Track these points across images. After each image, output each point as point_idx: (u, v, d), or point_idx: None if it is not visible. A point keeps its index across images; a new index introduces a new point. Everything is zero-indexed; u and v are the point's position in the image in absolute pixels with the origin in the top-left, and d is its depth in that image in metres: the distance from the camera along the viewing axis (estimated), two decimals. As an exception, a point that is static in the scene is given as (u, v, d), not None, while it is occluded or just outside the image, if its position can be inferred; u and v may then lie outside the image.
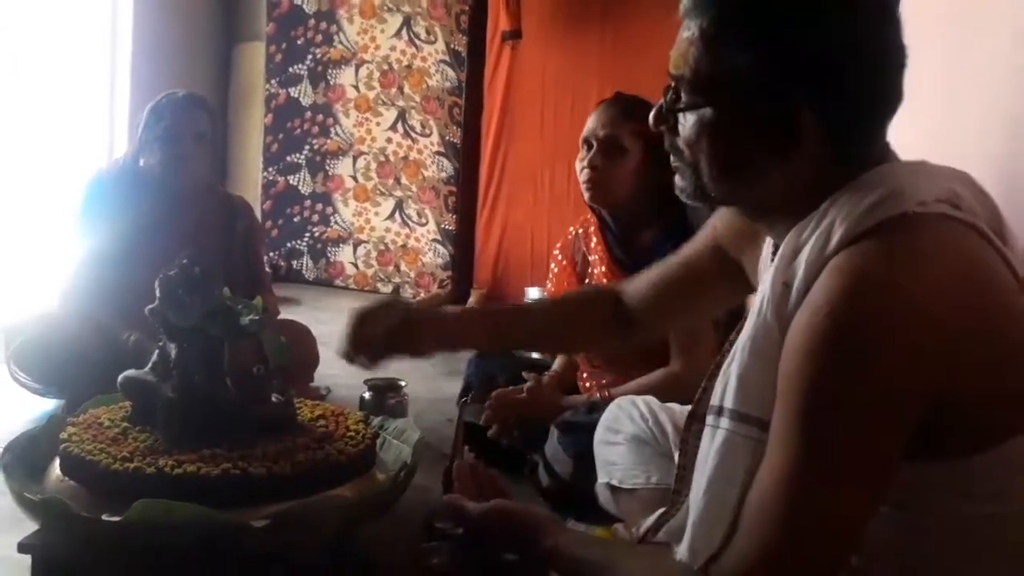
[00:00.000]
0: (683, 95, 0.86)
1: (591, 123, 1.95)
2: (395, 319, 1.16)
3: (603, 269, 1.96)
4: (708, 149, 0.85)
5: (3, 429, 1.95)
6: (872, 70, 0.81)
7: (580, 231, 2.10)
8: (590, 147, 1.92)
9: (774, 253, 0.94)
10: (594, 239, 2.01)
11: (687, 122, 0.86)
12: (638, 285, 1.24)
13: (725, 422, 0.83)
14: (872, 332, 0.72)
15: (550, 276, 2.16)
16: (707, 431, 0.86)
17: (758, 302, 0.83)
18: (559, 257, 2.13)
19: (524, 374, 2.03)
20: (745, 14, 0.81)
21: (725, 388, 0.84)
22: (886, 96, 0.83)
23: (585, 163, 1.92)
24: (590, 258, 2.03)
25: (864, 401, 0.72)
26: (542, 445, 1.88)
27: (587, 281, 2.03)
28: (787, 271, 0.80)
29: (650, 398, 1.57)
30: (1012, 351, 0.78)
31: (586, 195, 1.94)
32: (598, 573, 0.88)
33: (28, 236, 3.57)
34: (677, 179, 0.91)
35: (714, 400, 0.86)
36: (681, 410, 1.50)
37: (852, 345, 0.73)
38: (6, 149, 3.55)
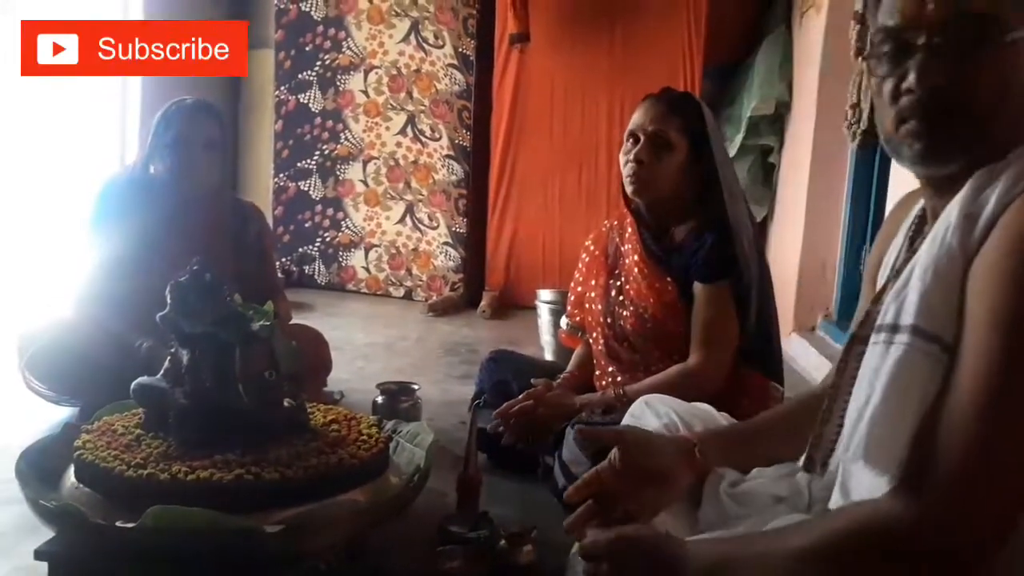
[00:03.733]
0: (992, 31, 0.83)
1: (638, 117, 1.92)
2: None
3: (635, 259, 1.96)
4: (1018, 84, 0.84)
5: (18, 437, 1.95)
6: None
7: (615, 223, 2.10)
8: (636, 141, 1.90)
9: (918, 223, 0.96)
10: (629, 230, 2.00)
11: (997, 64, 0.84)
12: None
13: (904, 337, 0.82)
14: None
15: (579, 267, 2.15)
16: (875, 348, 0.85)
17: (940, 232, 0.83)
18: (591, 248, 2.12)
19: (532, 381, 2.03)
20: None
21: (901, 306, 0.84)
22: None
23: (631, 157, 1.90)
24: (623, 248, 2.02)
25: None
26: (554, 448, 1.87)
27: (617, 272, 2.02)
28: (973, 205, 0.81)
29: (679, 401, 1.55)
30: None
31: (629, 188, 1.92)
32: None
33: (41, 243, 3.60)
34: (931, 142, 0.86)
35: (885, 319, 0.85)
36: (710, 413, 1.49)
37: None
38: (19, 157, 3.58)
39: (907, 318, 0.82)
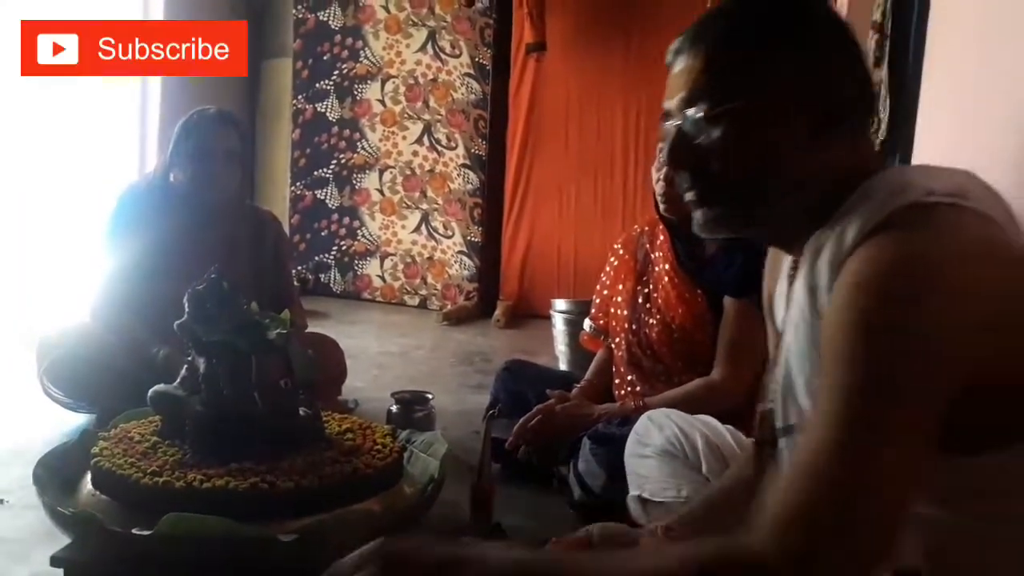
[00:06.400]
0: (711, 107, 0.86)
1: None
2: None
3: (666, 267, 1.94)
4: (752, 149, 0.85)
5: (36, 443, 1.97)
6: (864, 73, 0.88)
7: (646, 228, 2.08)
8: None
9: (792, 270, 0.94)
10: (660, 237, 1.99)
11: (718, 135, 0.86)
12: None
13: None
14: (906, 303, 0.71)
15: (606, 270, 2.12)
16: (788, 454, 0.85)
17: (797, 315, 0.83)
18: (620, 251, 2.10)
19: (548, 392, 2.02)
20: (756, 29, 0.86)
21: (800, 409, 0.83)
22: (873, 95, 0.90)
23: (661, 175, 1.89)
24: (653, 255, 2.00)
25: (905, 367, 0.71)
26: (569, 459, 1.86)
27: (645, 279, 2.01)
28: (811, 276, 0.81)
29: (679, 412, 1.55)
30: None
31: (661, 207, 1.91)
32: None
33: (60, 250, 3.63)
34: (703, 213, 0.90)
35: (787, 421, 0.85)
36: (713, 424, 1.48)
37: (888, 316, 0.71)
38: (39, 164, 3.62)
39: (803, 419, 0.83)
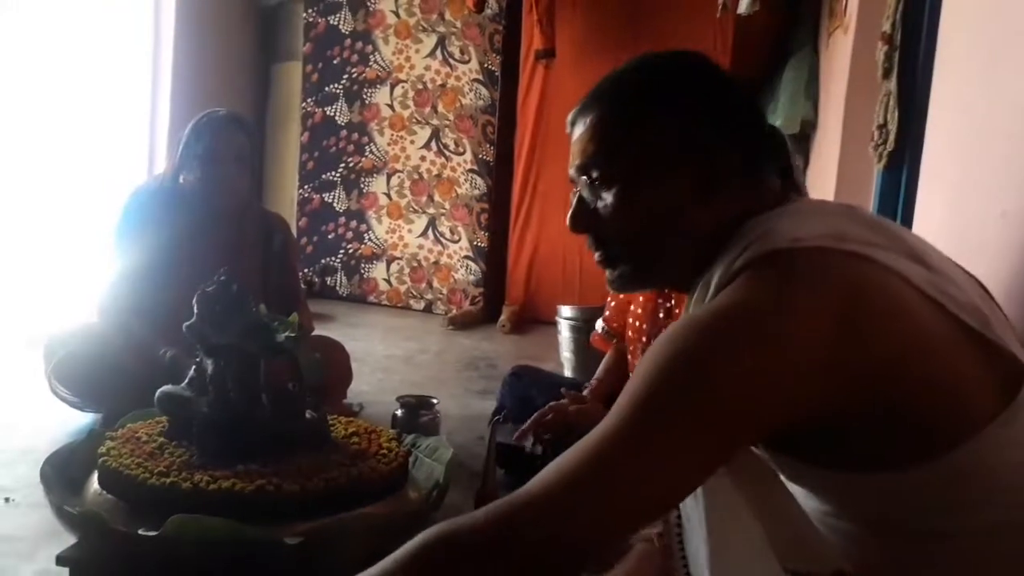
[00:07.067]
0: (600, 173, 0.91)
1: None
2: None
3: None
4: (640, 210, 0.90)
5: (43, 442, 1.98)
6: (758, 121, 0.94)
7: None
8: None
9: None
10: None
11: (610, 199, 0.91)
12: None
13: None
14: (711, 350, 0.73)
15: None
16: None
17: None
18: None
19: (563, 391, 2.02)
20: (640, 93, 0.92)
21: None
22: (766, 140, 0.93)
23: None
24: None
25: (695, 406, 0.73)
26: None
27: (667, 291, 2.00)
28: None
29: None
30: (915, 357, 0.76)
31: None
32: None
33: (69, 251, 3.64)
34: (609, 273, 0.95)
35: None
36: None
37: (692, 356, 0.73)
38: (49, 164, 3.64)
39: None
